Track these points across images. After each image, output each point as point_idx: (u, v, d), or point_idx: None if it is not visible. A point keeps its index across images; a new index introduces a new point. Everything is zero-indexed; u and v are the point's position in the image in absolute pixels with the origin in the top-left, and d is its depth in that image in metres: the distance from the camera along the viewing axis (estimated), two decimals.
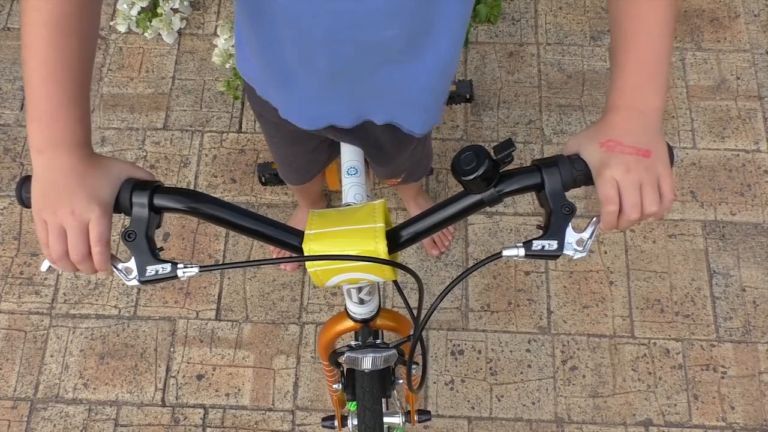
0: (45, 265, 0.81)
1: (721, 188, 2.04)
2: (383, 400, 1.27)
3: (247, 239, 2.01)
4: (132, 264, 0.79)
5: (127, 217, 0.81)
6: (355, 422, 1.37)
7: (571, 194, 0.91)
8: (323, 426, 1.52)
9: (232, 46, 2.17)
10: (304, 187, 1.69)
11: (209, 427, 1.83)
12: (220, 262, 1.97)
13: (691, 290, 1.94)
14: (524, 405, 1.84)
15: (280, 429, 1.82)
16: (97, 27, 0.81)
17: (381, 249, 0.79)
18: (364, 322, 1.11)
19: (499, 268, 1.98)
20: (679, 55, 2.22)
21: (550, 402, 1.84)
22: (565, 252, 0.78)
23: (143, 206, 0.79)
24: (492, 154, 0.76)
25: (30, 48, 0.75)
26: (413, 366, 1.09)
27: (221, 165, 2.10)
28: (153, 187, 0.80)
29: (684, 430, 1.81)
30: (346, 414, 1.43)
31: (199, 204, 0.81)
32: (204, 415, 1.84)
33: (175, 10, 2.27)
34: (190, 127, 2.16)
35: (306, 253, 0.81)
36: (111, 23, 2.28)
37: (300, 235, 0.83)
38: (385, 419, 1.30)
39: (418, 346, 0.96)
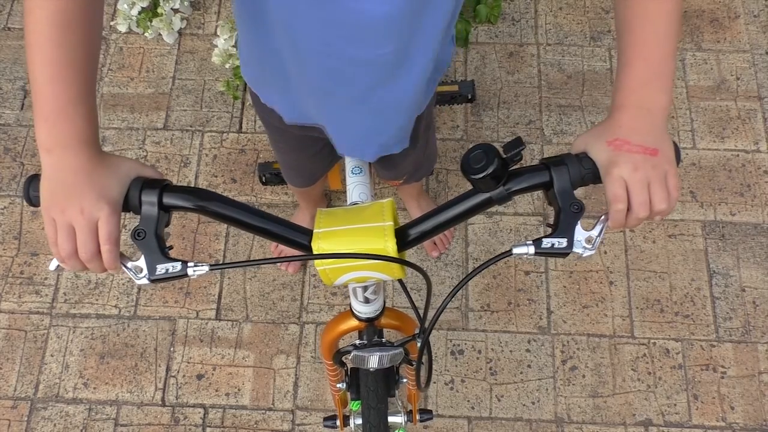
0: (53, 264, 0.81)
1: (720, 188, 2.05)
2: (387, 399, 1.28)
3: (246, 239, 2.01)
4: (142, 263, 0.78)
5: (135, 216, 0.81)
6: (358, 422, 1.38)
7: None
8: (325, 426, 1.52)
9: (233, 46, 2.17)
10: (307, 189, 1.69)
11: (209, 426, 1.83)
12: (221, 262, 1.97)
13: (690, 290, 1.94)
14: (524, 405, 1.84)
15: (280, 429, 1.82)
16: (100, 24, 0.80)
17: (390, 247, 0.80)
18: (369, 321, 1.11)
19: (499, 268, 1.98)
20: (679, 56, 2.22)
21: (549, 402, 1.84)
22: (574, 250, 0.78)
23: (153, 205, 0.79)
24: (501, 152, 0.77)
25: (34, 47, 0.75)
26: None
27: (221, 165, 2.10)
28: (162, 186, 0.80)
29: (684, 430, 1.81)
30: (347, 413, 1.44)
31: (208, 202, 0.81)
32: (204, 414, 1.84)
33: (176, 10, 2.27)
34: (191, 127, 2.16)
35: (315, 252, 0.81)
36: (111, 23, 2.28)
37: (308, 233, 0.83)
38: (388, 419, 1.30)
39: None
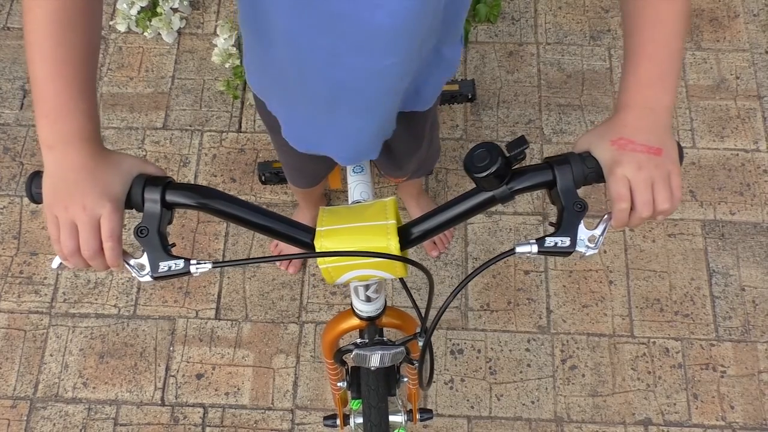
0: (56, 262, 0.81)
1: (720, 188, 2.05)
2: (388, 398, 1.28)
3: (246, 239, 2.01)
4: (144, 260, 0.78)
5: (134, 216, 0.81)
6: (358, 421, 1.38)
7: None
8: (325, 425, 1.52)
9: (232, 45, 2.17)
10: (308, 189, 1.69)
11: (209, 426, 1.83)
12: (219, 260, 1.97)
13: (690, 289, 1.94)
14: (524, 404, 1.84)
15: (280, 428, 1.82)
16: (100, 21, 0.80)
17: (393, 245, 0.80)
18: (370, 320, 1.11)
19: (498, 268, 1.98)
20: None
21: (549, 401, 1.84)
22: (577, 249, 0.78)
23: (155, 202, 0.79)
24: (505, 151, 0.77)
25: (34, 45, 0.75)
26: (417, 363, 1.10)
27: (221, 164, 2.10)
28: (165, 183, 0.80)
29: (683, 430, 1.81)
30: (348, 413, 1.44)
31: (211, 200, 0.81)
32: (203, 414, 1.84)
33: (175, 10, 2.27)
34: (190, 126, 2.16)
35: (318, 250, 0.81)
36: (111, 23, 2.28)
37: (311, 231, 0.83)
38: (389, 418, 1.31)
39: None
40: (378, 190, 2.07)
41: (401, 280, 0.96)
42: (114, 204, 0.77)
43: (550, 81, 2.19)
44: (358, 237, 0.80)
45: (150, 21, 2.23)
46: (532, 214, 2.03)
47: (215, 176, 2.09)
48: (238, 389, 1.86)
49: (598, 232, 0.79)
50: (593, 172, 0.80)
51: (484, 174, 0.76)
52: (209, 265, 0.78)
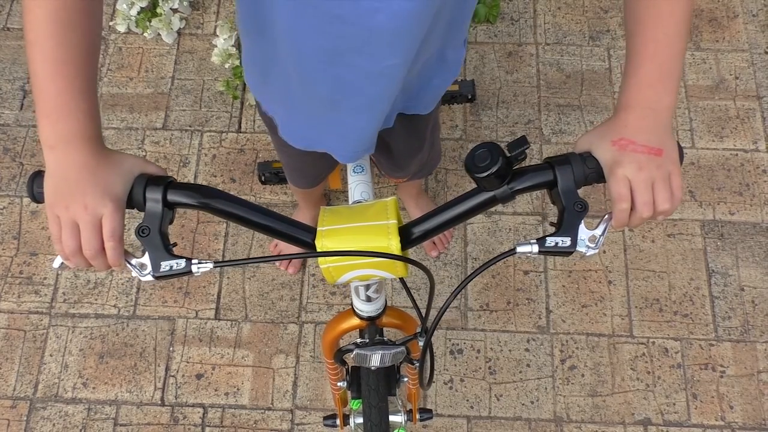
0: (57, 262, 0.81)
1: (719, 188, 2.05)
2: (388, 398, 1.28)
3: (246, 239, 2.01)
4: (146, 259, 0.79)
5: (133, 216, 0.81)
6: (358, 420, 1.38)
7: None
8: (325, 425, 1.52)
9: (232, 45, 2.17)
10: (308, 190, 1.70)
11: (208, 426, 1.83)
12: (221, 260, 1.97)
13: (689, 290, 1.94)
14: (523, 404, 1.84)
15: (279, 428, 1.82)
16: (100, 20, 0.80)
17: (394, 245, 0.80)
18: (371, 320, 1.11)
19: (498, 268, 1.98)
20: None
21: (549, 401, 1.84)
22: (578, 249, 0.78)
23: (157, 202, 0.79)
24: (506, 151, 0.77)
25: (35, 44, 0.75)
26: (417, 363, 1.10)
27: (220, 164, 2.10)
28: (167, 183, 0.80)
29: (683, 430, 1.81)
30: (347, 413, 1.44)
31: (212, 199, 0.81)
32: (203, 414, 1.84)
33: (175, 10, 2.27)
34: (190, 126, 2.16)
35: (319, 250, 0.81)
36: (110, 23, 2.28)
37: (312, 231, 0.83)
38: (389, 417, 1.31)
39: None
40: (378, 190, 2.07)
41: (401, 280, 0.96)
42: (115, 203, 0.77)
43: (549, 81, 2.20)
44: (359, 237, 0.80)
45: (150, 21, 2.24)
46: (532, 214, 2.03)
47: (215, 176, 2.09)
48: (238, 389, 1.86)
49: (598, 232, 0.79)
50: (594, 173, 0.80)
51: (485, 174, 0.76)
52: (210, 265, 0.78)
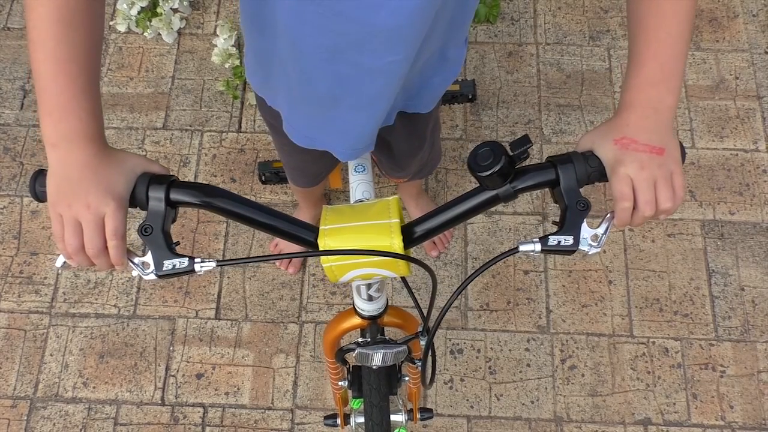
0: (59, 261, 0.81)
1: (719, 188, 2.05)
2: (389, 397, 1.28)
3: (246, 238, 2.01)
4: (149, 258, 0.79)
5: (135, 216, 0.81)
6: (358, 420, 1.38)
7: None
8: (325, 424, 1.52)
9: (232, 45, 2.17)
10: (309, 189, 1.69)
11: (209, 425, 1.83)
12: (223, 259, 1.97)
13: (689, 289, 1.94)
14: (523, 404, 1.84)
15: (280, 428, 1.82)
16: (102, 19, 0.80)
17: (397, 244, 0.80)
18: (372, 319, 1.11)
19: (498, 267, 1.98)
20: None
21: (549, 401, 1.84)
22: (580, 247, 0.79)
23: (160, 200, 0.79)
24: (508, 150, 0.77)
25: (37, 43, 0.75)
26: (418, 362, 1.10)
27: (221, 164, 2.10)
28: (169, 182, 0.80)
29: (683, 429, 1.81)
30: (348, 412, 1.44)
31: (215, 198, 0.82)
32: (203, 413, 1.84)
33: (175, 10, 2.27)
34: (190, 126, 2.16)
35: (321, 248, 0.81)
36: (111, 23, 2.28)
37: (314, 230, 0.83)
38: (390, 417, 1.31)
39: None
40: (378, 190, 2.07)
41: (403, 279, 0.96)
42: (118, 202, 0.77)
43: (549, 81, 2.20)
44: (362, 235, 0.80)
45: (150, 21, 2.24)
46: (532, 214, 2.03)
47: (215, 176, 2.09)
48: (238, 389, 1.86)
49: (600, 230, 0.79)
50: (596, 172, 0.80)
51: (488, 173, 0.76)
52: (213, 263, 0.79)
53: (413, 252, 1.99)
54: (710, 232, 2.00)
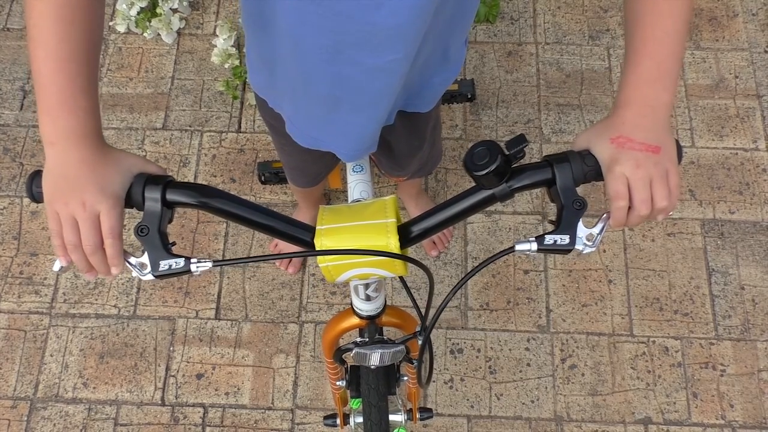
0: (57, 265, 0.81)
1: (719, 187, 2.05)
2: (388, 397, 1.28)
3: (245, 239, 2.01)
4: (145, 258, 0.79)
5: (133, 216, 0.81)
6: (358, 420, 1.38)
7: None
8: (325, 424, 1.52)
9: (232, 46, 2.17)
10: (308, 189, 1.69)
11: (209, 426, 1.83)
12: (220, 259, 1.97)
13: (690, 288, 1.94)
14: (523, 403, 1.84)
15: (280, 428, 1.82)
16: (102, 19, 0.81)
17: (393, 244, 0.80)
18: (370, 319, 1.11)
19: (498, 267, 1.98)
20: None
21: (549, 400, 1.84)
22: (576, 246, 0.78)
23: (156, 201, 0.79)
24: (504, 149, 0.77)
25: (37, 41, 0.75)
26: (416, 362, 1.10)
27: (220, 164, 2.10)
28: (166, 182, 0.80)
29: (683, 428, 1.81)
30: (347, 412, 1.44)
31: (212, 199, 0.82)
32: (204, 414, 1.84)
33: (175, 10, 2.27)
34: (190, 126, 2.16)
35: (318, 248, 0.81)
36: (110, 23, 2.28)
37: (311, 230, 0.83)
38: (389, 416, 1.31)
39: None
40: (377, 190, 2.07)
41: (401, 278, 0.96)
42: (113, 200, 0.77)
43: (549, 81, 2.20)
44: (359, 235, 0.80)
45: (149, 22, 2.24)
46: (532, 214, 2.03)
47: (215, 176, 2.09)
48: (238, 389, 1.86)
49: (596, 230, 0.79)
50: (592, 170, 0.80)
51: (484, 172, 0.76)
52: (209, 264, 0.79)
53: (412, 252, 1.99)
54: (710, 231, 2.00)
